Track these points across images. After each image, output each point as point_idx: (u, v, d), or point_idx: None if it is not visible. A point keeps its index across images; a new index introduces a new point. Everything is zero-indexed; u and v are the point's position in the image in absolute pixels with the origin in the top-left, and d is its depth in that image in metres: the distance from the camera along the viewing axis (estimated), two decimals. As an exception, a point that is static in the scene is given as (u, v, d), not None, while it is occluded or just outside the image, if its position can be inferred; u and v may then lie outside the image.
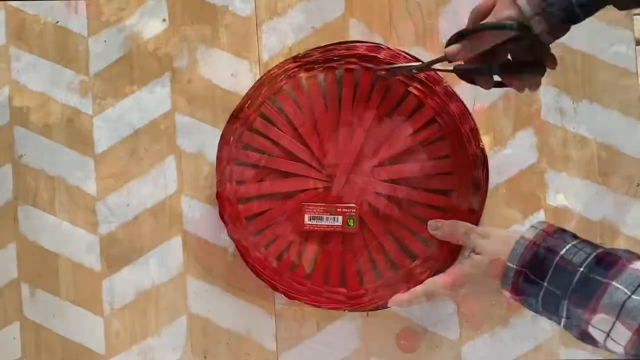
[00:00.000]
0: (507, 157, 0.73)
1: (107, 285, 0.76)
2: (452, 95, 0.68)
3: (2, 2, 0.78)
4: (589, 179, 0.72)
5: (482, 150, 0.68)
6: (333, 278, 0.71)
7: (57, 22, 0.77)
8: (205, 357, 0.75)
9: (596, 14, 0.72)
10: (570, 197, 0.72)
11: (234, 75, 0.76)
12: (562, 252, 0.53)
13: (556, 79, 0.72)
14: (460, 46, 0.56)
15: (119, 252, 0.76)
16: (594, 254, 0.52)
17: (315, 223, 0.70)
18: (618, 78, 0.72)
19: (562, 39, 0.72)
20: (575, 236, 0.56)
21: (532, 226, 0.58)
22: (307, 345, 0.74)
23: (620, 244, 0.71)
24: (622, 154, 0.72)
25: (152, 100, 0.76)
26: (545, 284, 0.53)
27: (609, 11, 0.72)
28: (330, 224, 0.70)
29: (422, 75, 0.68)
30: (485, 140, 0.73)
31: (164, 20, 0.77)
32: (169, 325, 0.75)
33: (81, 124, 0.77)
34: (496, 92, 0.72)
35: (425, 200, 0.70)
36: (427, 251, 0.69)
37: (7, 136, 0.77)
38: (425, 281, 0.64)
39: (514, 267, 0.56)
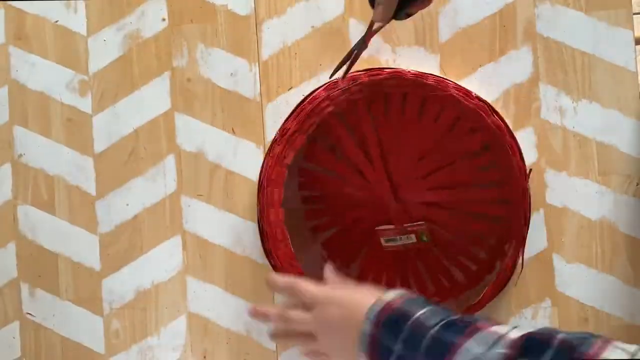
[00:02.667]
0: (507, 156, 0.73)
1: (107, 285, 0.76)
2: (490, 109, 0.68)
3: (2, 2, 0.77)
4: (589, 178, 0.72)
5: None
6: None
7: (56, 22, 0.77)
8: (204, 357, 0.75)
9: (596, 14, 0.72)
10: (570, 197, 0.72)
11: (233, 74, 0.76)
12: (417, 314, 0.52)
13: (556, 79, 0.72)
14: (382, 8, 0.58)
15: (118, 251, 0.76)
16: (448, 318, 0.51)
17: (391, 244, 0.73)
18: (618, 77, 0.72)
19: (562, 38, 0.72)
20: (437, 304, 0.54)
21: (393, 291, 0.56)
22: (306, 345, 0.74)
23: (620, 244, 0.71)
24: (621, 153, 0.72)
25: (151, 99, 0.76)
26: (396, 346, 0.51)
27: (609, 11, 0.72)
28: (404, 242, 0.72)
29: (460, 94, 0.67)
30: (485, 140, 0.73)
31: (163, 19, 0.77)
32: (168, 325, 0.75)
33: (81, 123, 0.77)
34: (496, 90, 0.72)
35: (481, 198, 0.72)
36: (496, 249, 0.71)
37: (7, 135, 0.77)
38: (300, 279, 0.62)
39: (368, 331, 0.53)
